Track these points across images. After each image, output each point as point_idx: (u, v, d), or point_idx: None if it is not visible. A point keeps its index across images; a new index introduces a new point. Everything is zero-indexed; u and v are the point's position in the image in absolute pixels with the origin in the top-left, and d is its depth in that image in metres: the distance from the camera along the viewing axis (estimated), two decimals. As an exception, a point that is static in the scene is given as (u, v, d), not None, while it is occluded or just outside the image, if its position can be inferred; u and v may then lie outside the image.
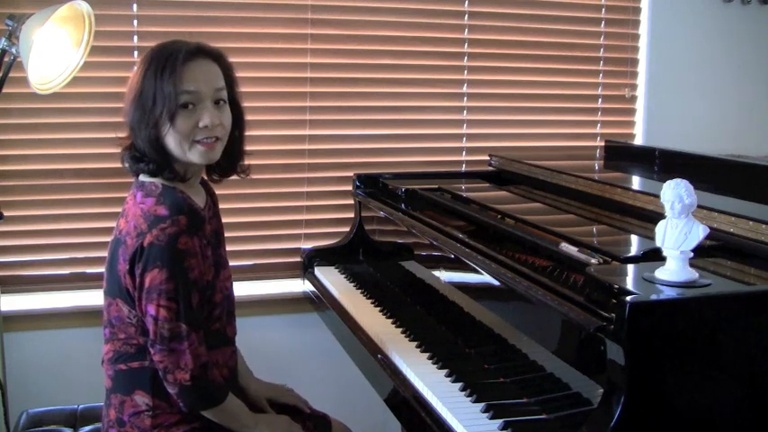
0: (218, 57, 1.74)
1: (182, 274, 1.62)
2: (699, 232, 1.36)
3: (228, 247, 1.92)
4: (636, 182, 2.37)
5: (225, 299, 1.79)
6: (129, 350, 1.71)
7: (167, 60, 1.65)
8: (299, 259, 2.75)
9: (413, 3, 2.84)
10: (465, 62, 2.92)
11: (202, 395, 1.69)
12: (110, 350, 1.75)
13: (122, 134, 1.74)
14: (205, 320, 1.73)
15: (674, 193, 1.37)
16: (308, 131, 2.78)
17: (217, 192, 1.96)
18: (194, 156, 1.69)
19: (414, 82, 2.87)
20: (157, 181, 1.71)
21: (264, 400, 1.95)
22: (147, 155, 1.69)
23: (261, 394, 1.96)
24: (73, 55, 2.03)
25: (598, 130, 3.09)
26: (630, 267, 1.49)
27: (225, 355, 1.81)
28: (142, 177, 1.73)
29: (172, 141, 1.67)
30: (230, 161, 1.83)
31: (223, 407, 1.72)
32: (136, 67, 1.72)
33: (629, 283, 1.39)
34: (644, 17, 3.09)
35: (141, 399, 1.72)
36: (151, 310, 1.63)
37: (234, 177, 1.88)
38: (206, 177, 1.87)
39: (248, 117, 1.86)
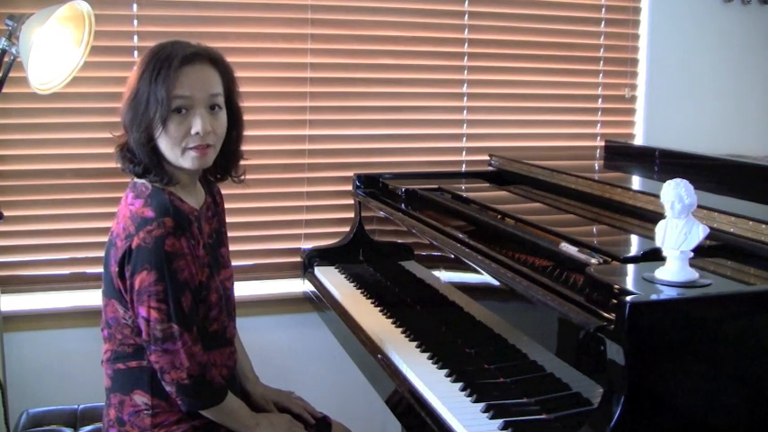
0: (216, 61, 1.72)
1: (170, 275, 1.61)
2: (699, 232, 1.36)
3: (229, 247, 1.92)
4: (636, 182, 2.37)
5: (221, 299, 1.78)
6: (127, 350, 1.72)
7: (163, 64, 1.64)
8: (299, 259, 2.75)
9: (413, 3, 2.84)
10: (465, 62, 2.92)
11: (200, 395, 1.69)
12: (108, 350, 1.76)
13: (118, 132, 1.74)
14: (201, 321, 1.72)
15: (674, 193, 1.37)
16: (308, 131, 2.78)
17: (217, 192, 1.96)
18: (186, 161, 1.68)
19: (414, 82, 2.87)
20: (148, 182, 1.70)
21: (271, 404, 1.95)
22: (136, 155, 1.69)
23: (267, 399, 1.96)
24: (73, 55, 2.03)
25: (598, 130, 3.09)
26: (630, 267, 1.49)
27: (224, 356, 1.81)
28: (136, 178, 1.73)
29: (164, 145, 1.67)
30: (226, 161, 1.82)
31: (222, 407, 1.72)
32: (135, 67, 1.71)
33: (629, 283, 1.39)
34: (644, 17, 3.09)
35: (140, 398, 1.72)
36: (142, 311, 1.63)
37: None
38: (211, 178, 1.87)
39: (248, 117, 1.86)
